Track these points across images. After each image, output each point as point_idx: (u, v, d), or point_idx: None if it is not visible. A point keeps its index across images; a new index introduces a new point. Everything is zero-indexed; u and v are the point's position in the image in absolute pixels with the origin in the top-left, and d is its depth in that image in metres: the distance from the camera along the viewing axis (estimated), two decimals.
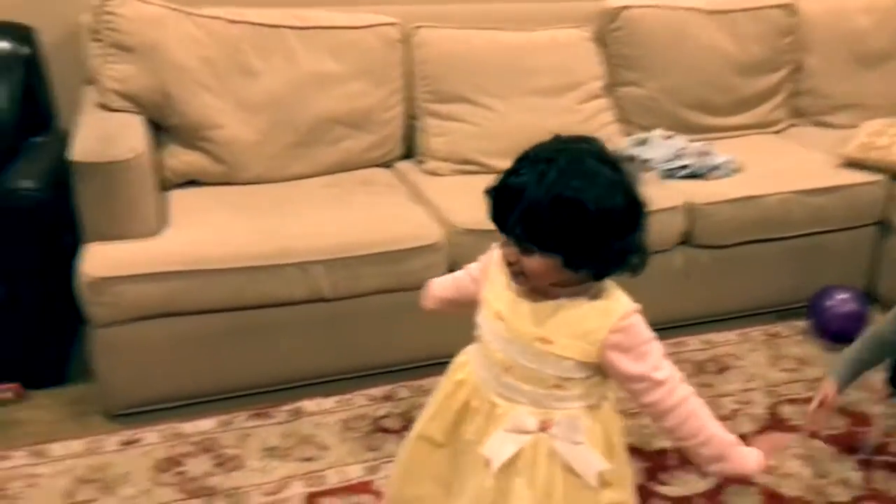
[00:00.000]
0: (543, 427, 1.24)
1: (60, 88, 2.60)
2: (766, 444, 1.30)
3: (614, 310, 1.19)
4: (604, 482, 1.27)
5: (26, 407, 2.12)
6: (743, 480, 1.21)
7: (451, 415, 1.32)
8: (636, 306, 1.20)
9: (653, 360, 1.20)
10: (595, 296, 1.20)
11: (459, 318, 1.39)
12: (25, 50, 2.45)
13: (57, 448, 1.95)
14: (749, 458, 1.25)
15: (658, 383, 1.19)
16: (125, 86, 2.27)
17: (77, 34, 2.51)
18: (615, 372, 1.21)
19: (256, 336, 2.06)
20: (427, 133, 2.62)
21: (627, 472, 1.35)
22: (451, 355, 1.41)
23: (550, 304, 1.20)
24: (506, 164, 2.64)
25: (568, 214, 1.09)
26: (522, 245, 1.15)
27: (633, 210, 1.13)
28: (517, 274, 1.19)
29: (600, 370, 1.23)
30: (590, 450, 1.25)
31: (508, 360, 1.23)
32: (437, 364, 1.47)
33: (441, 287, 1.51)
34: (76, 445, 1.95)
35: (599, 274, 1.19)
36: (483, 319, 1.29)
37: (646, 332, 1.21)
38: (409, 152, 2.68)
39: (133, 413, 2.06)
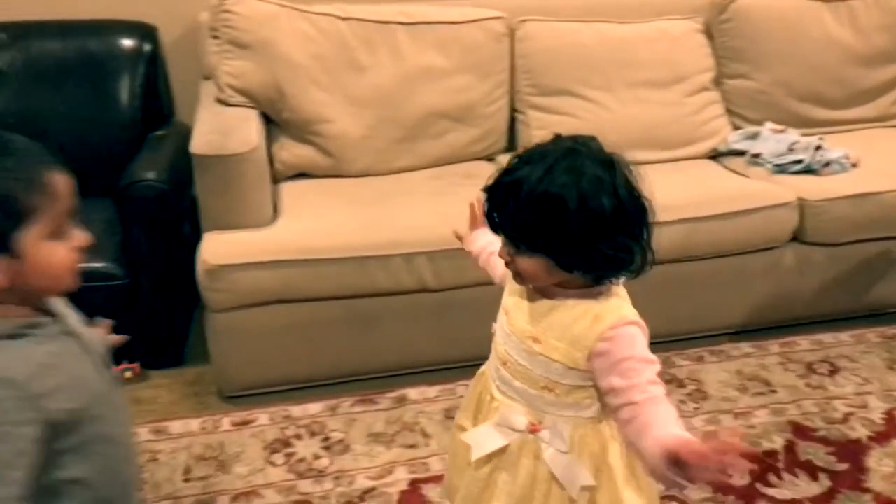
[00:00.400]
0: (532, 429, 1.21)
1: (178, 84, 2.73)
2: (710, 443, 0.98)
3: (606, 317, 1.12)
4: (591, 500, 1.21)
5: (146, 386, 2.24)
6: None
7: (473, 405, 1.33)
8: (634, 318, 1.13)
9: (638, 379, 1.08)
10: (595, 300, 1.15)
11: None
12: (148, 47, 2.58)
13: (175, 426, 2.05)
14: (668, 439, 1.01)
15: (634, 404, 1.08)
16: (241, 81, 2.36)
17: (195, 32, 2.63)
18: (598, 381, 1.14)
19: (364, 324, 2.12)
20: (529, 126, 2.63)
21: (625, 498, 1.23)
22: None
23: (547, 303, 1.17)
24: None
25: (550, 211, 1.06)
26: (514, 244, 1.13)
27: (621, 211, 1.08)
28: (515, 274, 1.17)
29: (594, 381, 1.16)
30: (575, 462, 1.20)
31: (506, 355, 1.23)
32: None
33: (477, 250, 1.46)
34: (193, 424, 2.06)
35: (597, 277, 1.14)
36: (499, 313, 1.28)
37: (638, 348, 1.11)
38: (511, 145, 2.69)
39: (246, 395, 2.15)
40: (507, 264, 1.17)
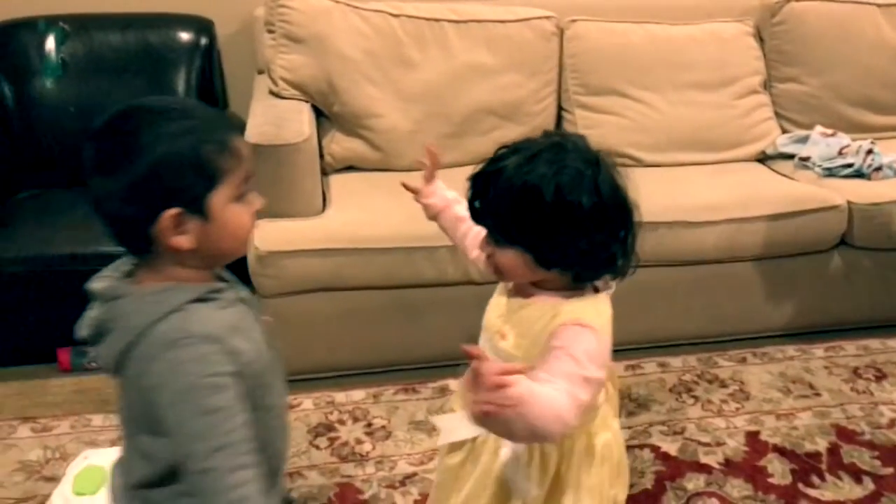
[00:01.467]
0: None
1: (231, 77, 2.80)
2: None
3: (562, 315, 1.09)
4: None
5: None
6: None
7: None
8: (589, 322, 1.07)
9: (555, 364, 1.03)
10: (564, 300, 1.12)
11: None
12: (205, 41, 2.65)
13: None
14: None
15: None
16: (294, 75, 2.41)
17: (250, 27, 2.69)
18: None
19: (409, 314, 2.15)
20: (576, 125, 2.64)
21: None
22: None
23: (521, 301, 1.16)
24: (659, 157, 2.63)
25: (528, 202, 1.05)
26: (494, 236, 1.11)
27: (601, 209, 1.06)
28: (496, 270, 1.15)
29: None
30: (526, 466, 1.17)
31: (480, 348, 1.19)
32: None
33: (438, 204, 1.40)
34: None
35: (576, 275, 1.11)
36: None
37: (577, 346, 1.05)
38: None
39: (291, 380, 2.16)
40: (487, 258, 1.15)
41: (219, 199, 0.97)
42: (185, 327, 0.95)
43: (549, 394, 0.98)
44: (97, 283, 1.03)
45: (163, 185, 0.94)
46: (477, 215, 1.14)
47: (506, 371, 0.92)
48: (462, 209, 1.32)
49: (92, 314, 1.02)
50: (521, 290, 1.18)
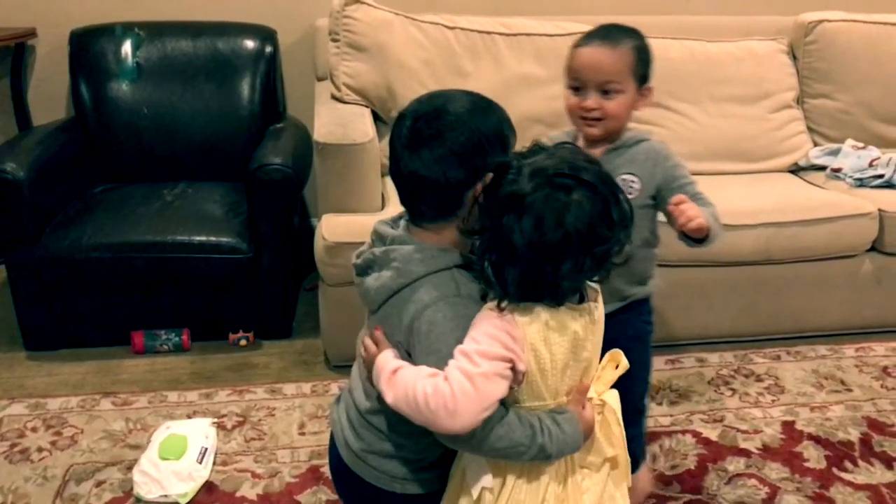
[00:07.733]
0: None
1: (290, 83, 2.96)
2: None
3: None
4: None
5: (259, 354, 2.44)
6: None
7: None
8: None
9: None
10: None
11: None
12: (269, 49, 2.82)
13: (289, 388, 2.25)
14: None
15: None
16: (356, 81, 2.57)
17: (311, 36, 2.86)
18: None
19: None
20: None
21: None
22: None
23: None
24: (698, 166, 2.74)
25: (512, 213, 1.04)
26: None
27: (566, 243, 1.02)
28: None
29: None
30: (484, 461, 1.14)
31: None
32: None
33: None
34: (305, 387, 2.25)
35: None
36: None
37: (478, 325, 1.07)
38: None
39: (350, 365, 2.32)
40: None
41: None
42: (456, 286, 1.11)
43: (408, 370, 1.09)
44: (383, 227, 1.23)
45: (481, 153, 1.11)
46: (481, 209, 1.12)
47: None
48: None
49: (367, 250, 1.23)
50: None
